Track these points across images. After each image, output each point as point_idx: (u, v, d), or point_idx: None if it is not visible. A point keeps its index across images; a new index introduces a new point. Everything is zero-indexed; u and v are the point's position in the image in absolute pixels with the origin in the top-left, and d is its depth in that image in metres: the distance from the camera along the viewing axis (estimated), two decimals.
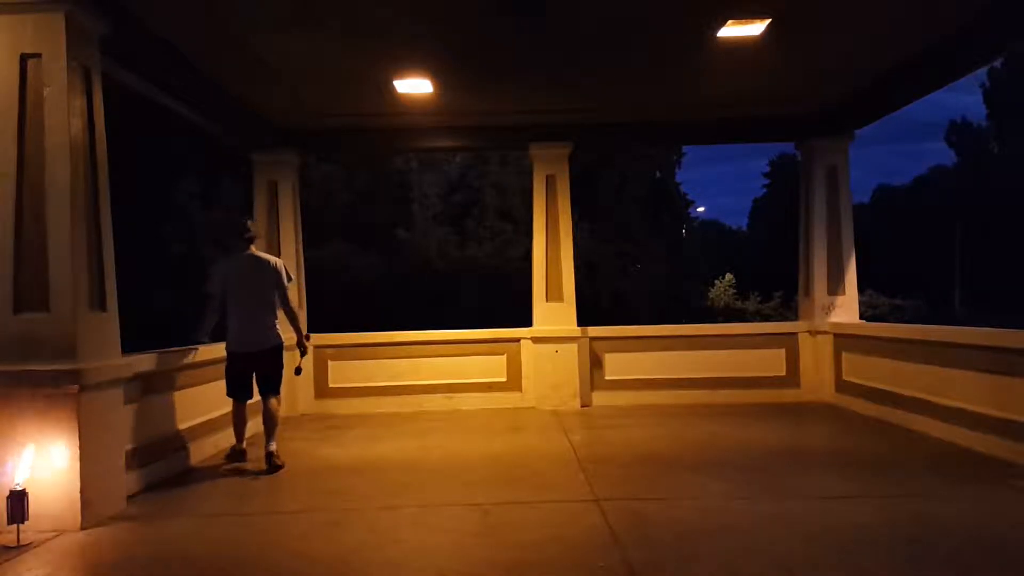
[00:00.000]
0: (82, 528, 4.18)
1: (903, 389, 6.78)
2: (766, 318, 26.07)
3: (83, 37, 4.53)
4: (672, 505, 4.45)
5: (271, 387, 5.83)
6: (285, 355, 5.98)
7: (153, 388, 5.35)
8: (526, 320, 8.63)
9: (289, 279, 5.94)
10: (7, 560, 3.73)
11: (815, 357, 8.43)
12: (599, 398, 8.44)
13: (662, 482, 5.05)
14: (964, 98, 37.51)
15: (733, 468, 5.35)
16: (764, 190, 44.58)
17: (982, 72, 35.81)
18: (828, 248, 8.56)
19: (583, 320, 8.61)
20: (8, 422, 4.19)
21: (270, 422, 5.74)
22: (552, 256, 8.56)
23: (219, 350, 6.35)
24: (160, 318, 16.80)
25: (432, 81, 6.81)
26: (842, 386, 8.05)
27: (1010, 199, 31.31)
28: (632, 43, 6.11)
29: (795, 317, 9.32)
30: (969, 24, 5.80)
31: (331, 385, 8.44)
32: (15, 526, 3.93)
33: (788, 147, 9.71)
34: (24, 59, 4.35)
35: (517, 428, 7.26)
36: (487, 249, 22.62)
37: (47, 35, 4.34)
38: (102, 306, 4.56)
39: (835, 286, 8.54)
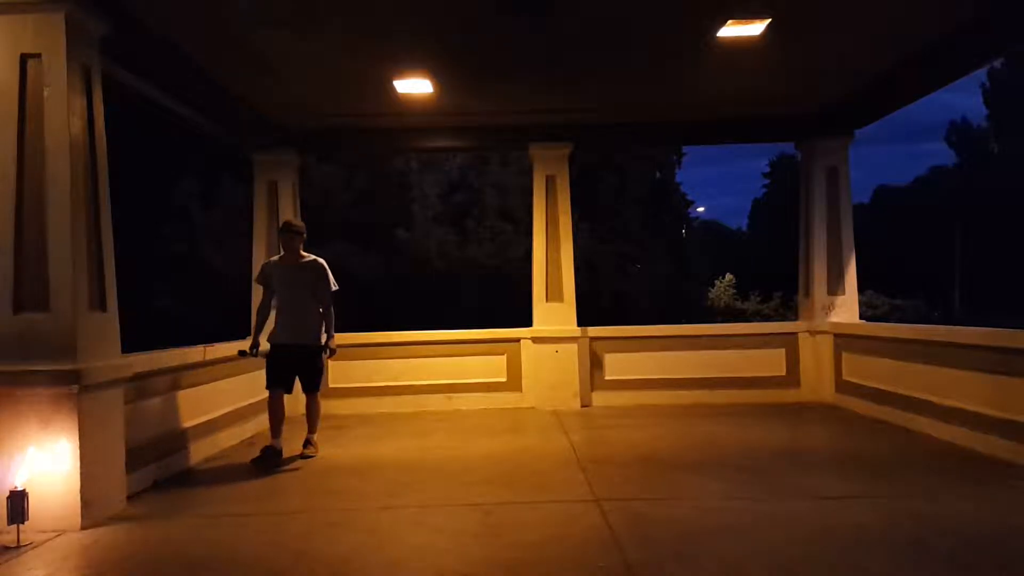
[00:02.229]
0: (82, 528, 4.18)
1: (903, 389, 6.78)
2: (766, 318, 26.05)
3: (83, 37, 4.53)
4: (672, 505, 4.45)
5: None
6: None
7: (154, 388, 5.35)
8: (526, 320, 8.63)
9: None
10: (7, 560, 3.73)
11: (815, 357, 8.43)
12: (599, 398, 8.44)
13: (662, 482, 5.05)
14: (964, 98, 37.61)
15: (733, 468, 5.35)
16: (764, 190, 44.65)
17: (982, 72, 35.86)
18: (828, 248, 8.56)
19: (583, 320, 8.61)
20: (8, 422, 4.18)
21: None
22: (552, 256, 8.56)
23: (221, 350, 6.36)
24: (160, 318, 16.82)
25: (432, 81, 6.81)
26: (842, 386, 8.05)
27: (1010, 199, 31.31)
28: (632, 43, 6.11)
29: (795, 317, 9.31)
30: (969, 24, 5.80)
31: (331, 385, 8.42)
32: (15, 526, 3.92)
33: (788, 147, 9.72)
34: (24, 59, 4.35)
35: (517, 428, 7.26)
36: (487, 249, 22.60)
37: (47, 35, 4.34)
38: (102, 306, 4.56)
39: (835, 286, 8.54)
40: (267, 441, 5.93)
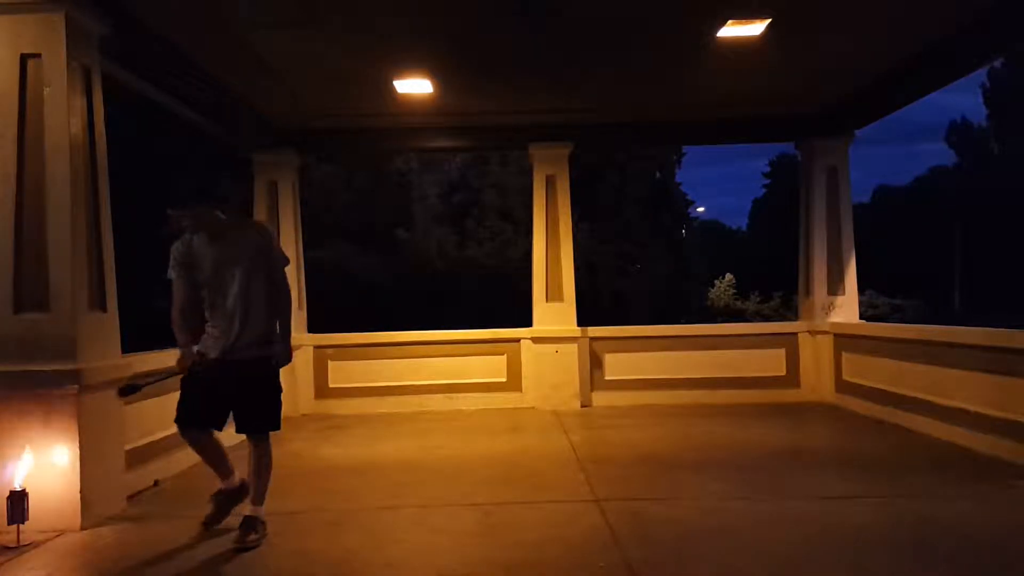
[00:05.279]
0: (82, 528, 4.17)
1: (903, 389, 6.78)
2: (766, 318, 26.07)
3: (83, 37, 4.53)
4: (672, 505, 4.45)
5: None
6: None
7: (154, 387, 5.34)
8: (526, 320, 8.63)
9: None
10: (7, 560, 3.73)
11: (815, 357, 8.43)
12: (599, 398, 8.43)
13: (662, 482, 5.05)
14: (964, 98, 37.55)
15: (733, 468, 5.35)
16: (764, 190, 44.59)
17: (982, 72, 35.84)
18: (828, 248, 8.56)
19: (583, 320, 8.61)
20: (8, 422, 4.18)
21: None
22: (552, 256, 8.56)
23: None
24: (160, 318, 16.81)
25: (432, 81, 6.81)
26: (842, 386, 8.05)
27: (1010, 199, 31.28)
28: (632, 43, 6.11)
29: (795, 317, 9.31)
30: (969, 24, 5.80)
31: (331, 385, 8.44)
32: (15, 526, 3.92)
33: (788, 147, 9.72)
34: (24, 59, 4.35)
35: (517, 428, 7.26)
36: (487, 249, 22.63)
37: (47, 35, 4.34)
38: (102, 306, 4.56)
39: (835, 286, 8.54)
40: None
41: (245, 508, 4.02)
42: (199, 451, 4.12)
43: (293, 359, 4.27)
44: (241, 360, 3.91)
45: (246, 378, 3.93)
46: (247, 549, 3.80)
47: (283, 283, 4.06)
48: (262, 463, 4.03)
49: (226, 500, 4.16)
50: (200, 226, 3.99)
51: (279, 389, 4.09)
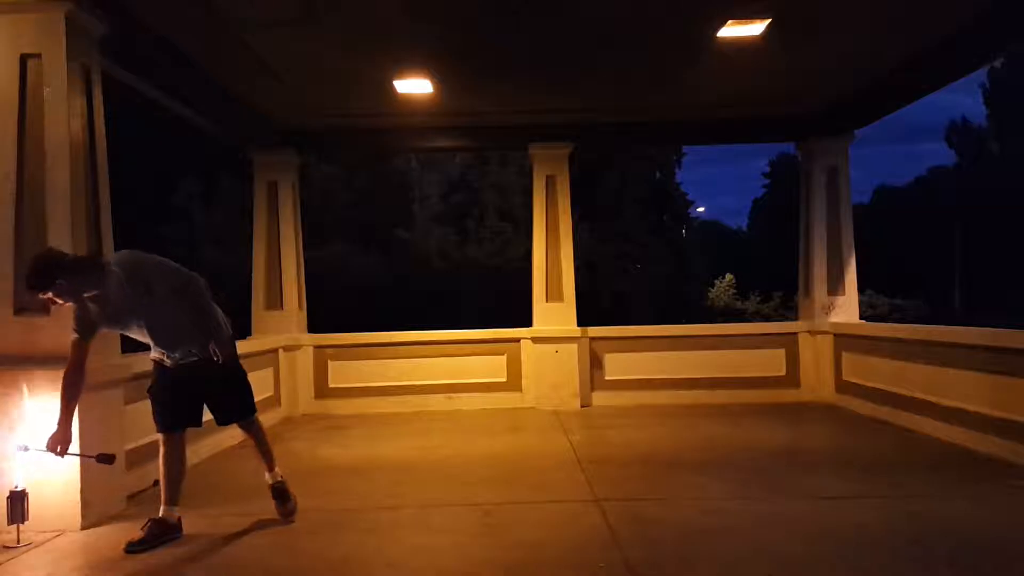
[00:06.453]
0: (82, 528, 4.17)
1: (903, 389, 6.78)
2: (766, 318, 26.09)
3: (83, 37, 4.53)
4: (672, 505, 4.45)
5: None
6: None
7: None
8: (526, 320, 8.63)
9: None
10: (7, 560, 3.73)
11: (815, 357, 8.43)
12: (599, 398, 8.43)
13: (662, 482, 5.05)
14: (964, 98, 37.62)
15: (733, 468, 5.35)
16: (764, 190, 44.65)
17: (982, 72, 35.84)
18: (828, 248, 8.56)
19: (583, 320, 8.61)
20: (8, 423, 4.18)
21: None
22: (552, 256, 8.56)
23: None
24: None
25: (432, 81, 6.81)
26: (842, 386, 8.05)
27: (1010, 199, 31.31)
28: (632, 43, 6.11)
29: (795, 317, 9.31)
30: (969, 24, 5.80)
31: (331, 385, 8.44)
32: (15, 526, 3.91)
33: (788, 147, 9.73)
34: (24, 59, 4.35)
35: (517, 428, 7.26)
36: (487, 249, 22.67)
37: (47, 35, 4.34)
38: None
39: (835, 286, 8.54)
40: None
41: (266, 478, 4.31)
42: (170, 461, 4.07)
43: (234, 346, 4.16)
44: (191, 363, 3.99)
45: (203, 377, 4.02)
46: (291, 517, 4.24)
47: (183, 286, 3.87)
48: (262, 443, 4.34)
49: (160, 531, 3.91)
50: (78, 290, 3.67)
51: (240, 376, 4.21)
